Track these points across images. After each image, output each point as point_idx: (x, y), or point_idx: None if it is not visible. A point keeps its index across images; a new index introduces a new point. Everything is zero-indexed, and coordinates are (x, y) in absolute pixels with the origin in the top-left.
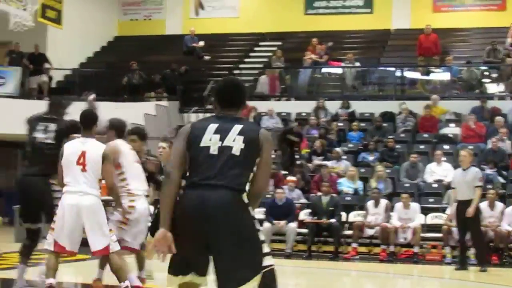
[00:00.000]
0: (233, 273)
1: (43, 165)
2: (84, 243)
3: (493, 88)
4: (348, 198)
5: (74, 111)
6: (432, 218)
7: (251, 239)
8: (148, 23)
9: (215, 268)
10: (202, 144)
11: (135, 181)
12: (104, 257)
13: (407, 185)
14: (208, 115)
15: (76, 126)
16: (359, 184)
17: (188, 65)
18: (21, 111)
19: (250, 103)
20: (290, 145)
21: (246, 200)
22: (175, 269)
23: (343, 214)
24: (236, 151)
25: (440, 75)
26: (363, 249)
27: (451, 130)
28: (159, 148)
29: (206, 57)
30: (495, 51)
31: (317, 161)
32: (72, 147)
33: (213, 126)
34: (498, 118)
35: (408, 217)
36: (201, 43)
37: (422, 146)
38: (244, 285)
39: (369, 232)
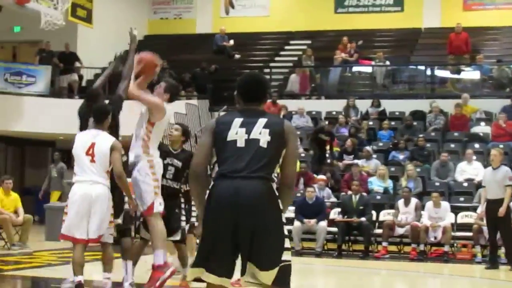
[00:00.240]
0: (259, 259)
1: None
2: (115, 242)
3: None
4: (378, 197)
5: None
6: (463, 217)
7: (279, 231)
8: (178, 22)
9: (241, 256)
10: (229, 138)
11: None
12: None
13: (437, 184)
14: None
15: None
16: (389, 183)
17: (218, 64)
18: (51, 110)
19: (280, 102)
20: (321, 144)
21: (276, 191)
22: (198, 261)
23: (373, 213)
24: (263, 143)
25: (470, 74)
26: (393, 248)
27: (482, 129)
28: (172, 129)
29: (237, 56)
30: None
31: (347, 160)
32: (83, 138)
33: (238, 120)
34: None
35: (439, 216)
36: (231, 42)
37: (452, 145)
38: (266, 271)
39: (399, 231)
